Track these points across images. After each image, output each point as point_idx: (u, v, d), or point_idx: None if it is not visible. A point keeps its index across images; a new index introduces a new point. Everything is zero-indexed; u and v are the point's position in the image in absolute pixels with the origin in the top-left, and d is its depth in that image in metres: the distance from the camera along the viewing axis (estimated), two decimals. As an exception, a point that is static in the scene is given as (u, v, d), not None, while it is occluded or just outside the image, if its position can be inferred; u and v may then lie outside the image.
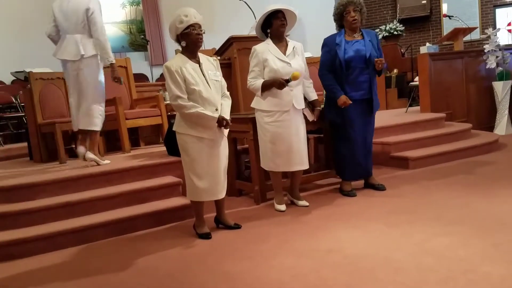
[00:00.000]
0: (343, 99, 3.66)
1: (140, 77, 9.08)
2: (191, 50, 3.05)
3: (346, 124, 3.77)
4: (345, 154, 3.85)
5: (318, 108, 3.74)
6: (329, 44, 3.76)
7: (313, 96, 3.74)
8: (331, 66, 3.72)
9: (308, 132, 3.76)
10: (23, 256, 3.04)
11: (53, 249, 3.12)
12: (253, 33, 3.74)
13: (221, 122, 3.02)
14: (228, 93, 3.24)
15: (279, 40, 3.54)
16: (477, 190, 3.67)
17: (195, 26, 2.98)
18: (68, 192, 3.59)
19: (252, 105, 3.61)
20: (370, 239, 2.82)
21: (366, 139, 3.88)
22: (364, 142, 3.87)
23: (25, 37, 8.86)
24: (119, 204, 3.57)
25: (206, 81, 3.03)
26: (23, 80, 7.00)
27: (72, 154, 5.03)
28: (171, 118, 5.07)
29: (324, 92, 4.29)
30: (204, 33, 3.06)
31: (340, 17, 3.76)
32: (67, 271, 2.76)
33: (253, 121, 3.70)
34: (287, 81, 3.36)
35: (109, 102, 4.99)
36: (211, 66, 3.14)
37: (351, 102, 3.66)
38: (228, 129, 3.14)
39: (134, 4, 10.27)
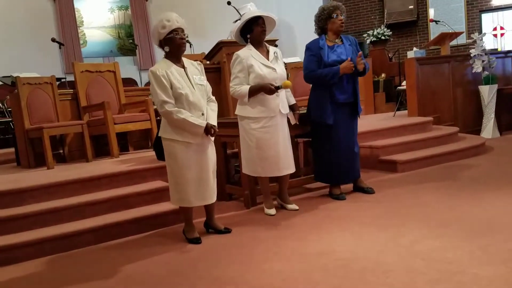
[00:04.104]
0: (347, 63, 3.61)
1: (129, 82, 9.04)
2: (175, 55, 3.04)
3: (331, 126, 3.77)
4: (330, 158, 3.85)
5: (298, 111, 3.75)
6: (313, 48, 3.78)
7: (292, 100, 3.76)
8: (317, 68, 3.74)
9: (297, 136, 3.76)
10: (10, 263, 2.99)
11: (41, 256, 3.08)
12: (232, 38, 3.73)
13: (208, 129, 3.01)
14: (213, 97, 3.24)
15: (260, 45, 3.55)
16: (465, 193, 3.71)
17: (178, 31, 2.96)
18: (56, 198, 3.55)
19: (236, 112, 3.58)
20: (360, 242, 2.83)
21: (350, 142, 3.89)
22: (349, 145, 3.88)
23: (12, 42, 8.78)
24: (107, 209, 3.54)
25: (192, 85, 3.02)
26: (10, 85, 6.92)
27: (60, 159, 4.99)
28: (160, 122, 5.06)
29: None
30: (187, 37, 3.04)
31: (325, 20, 3.78)
32: (55, 278, 2.73)
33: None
34: (277, 88, 3.37)
35: (98, 107, 4.98)
36: (195, 70, 3.13)
37: (352, 63, 3.63)
38: (214, 137, 3.12)
39: (123, 8, 10.23)
